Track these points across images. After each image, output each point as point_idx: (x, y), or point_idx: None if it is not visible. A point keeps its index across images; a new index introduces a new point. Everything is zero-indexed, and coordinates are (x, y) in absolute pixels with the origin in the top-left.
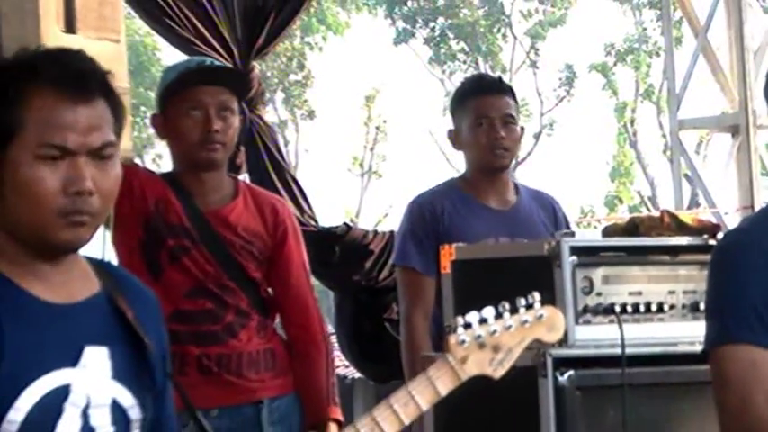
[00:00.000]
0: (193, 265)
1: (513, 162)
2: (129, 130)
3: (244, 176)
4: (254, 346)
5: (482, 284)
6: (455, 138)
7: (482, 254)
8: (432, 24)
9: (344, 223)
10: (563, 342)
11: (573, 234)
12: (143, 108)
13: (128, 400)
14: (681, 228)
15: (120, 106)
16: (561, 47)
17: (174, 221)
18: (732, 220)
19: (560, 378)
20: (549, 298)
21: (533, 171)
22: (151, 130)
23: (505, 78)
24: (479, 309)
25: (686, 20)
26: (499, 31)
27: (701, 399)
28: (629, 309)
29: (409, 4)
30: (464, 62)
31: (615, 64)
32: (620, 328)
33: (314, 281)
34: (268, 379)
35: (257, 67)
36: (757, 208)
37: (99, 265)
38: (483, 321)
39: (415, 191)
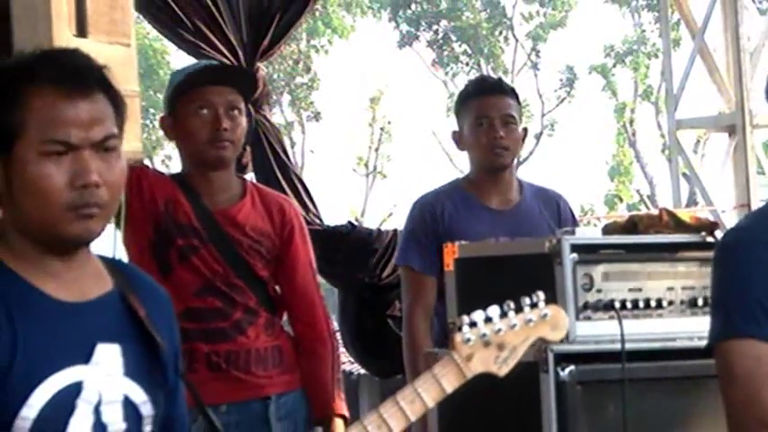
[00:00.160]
0: (202, 265)
1: (515, 161)
2: (139, 132)
3: (249, 176)
4: (261, 343)
5: (484, 282)
6: (459, 139)
7: (484, 252)
8: (435, 27)
9: (349, 222)
10: (564, 338)
11: (573, 232)
12: (152, 110)
13: (140, 396)
14: (679, 225)
15: (120, 100)
16: (562, 49)
17: (183, 221)
18: (729, 218)
19: (561, 373)
20: (550, 295)
21: (534, 171)
22: (160, 132)
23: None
24: (482, 306)
25: (683, 22)
26: (501, 33)
27: (700, 393)
28: (629, 305)
29: (413, 7)
30: (467, 64)
31: (614, 65)
32: (620, 324)
33: (320, 279)
34: (275, 375)
35: (262, 68)
36: (754, 206)
37: (112, 264)
38: (488, 320)
39: (419, 190)
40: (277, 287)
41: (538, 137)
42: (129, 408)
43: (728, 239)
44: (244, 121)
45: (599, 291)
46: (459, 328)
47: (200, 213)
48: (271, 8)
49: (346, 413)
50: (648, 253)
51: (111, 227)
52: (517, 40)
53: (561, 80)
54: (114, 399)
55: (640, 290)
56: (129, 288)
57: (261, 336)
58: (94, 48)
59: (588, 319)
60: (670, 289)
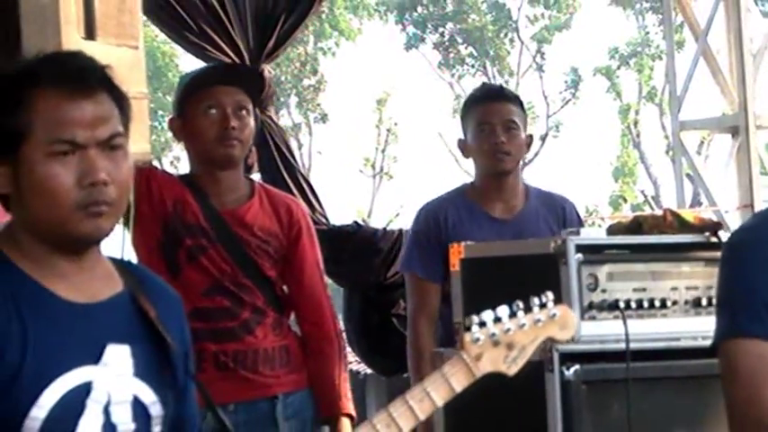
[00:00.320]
0: (211, 265)
1: (521, 163)
2: (147, 134)
3: (256, 176)
4: (269, 342)
5: (490, 282)
6: (464, 147)
7: (490, 252)
8: (441, 30)
9: (354, 222)
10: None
11: (578, 232)
12: (160, 112)
13: (149, 396)
14: (683, 226)
15: (124, 99)
16: (566, 51)
17: (192, 221)
18: (732, 219)
19: (566, 372)
20: (556, 295)
21: (540, 172)
22: (169, 134)
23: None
24: (488, 306)
25: (687, 24)
26: (506, 35)
27: (704, 392)
28: (633, 305)
29: (419, 10)
30: (472, 66)
31: (619, 67)
32: (625, 323)
33: (326, 279)
34: (283, 375)
35: (267, 70)
36: (757, 206)
37: (122, 265)
38: (497, 320)
39: (425, 191)
40: (285, 287)
41: (543, 138)
42: (139, 408)
43: (734, 239)
44: (251, 121)
45: (604, 291)
46: (469, 328)
47: (209, 213)
48: (276, 10)
49: (353, 412)
50: (653, 253)
51: (119, 228)
52: (522, 43)
53: (566, 82)
54: (124, 399)
55: (645, 290)
56: (140, 289)
57: (269, 335)
58: (103, 50)
59: (593, 318)
60: (674, 289)
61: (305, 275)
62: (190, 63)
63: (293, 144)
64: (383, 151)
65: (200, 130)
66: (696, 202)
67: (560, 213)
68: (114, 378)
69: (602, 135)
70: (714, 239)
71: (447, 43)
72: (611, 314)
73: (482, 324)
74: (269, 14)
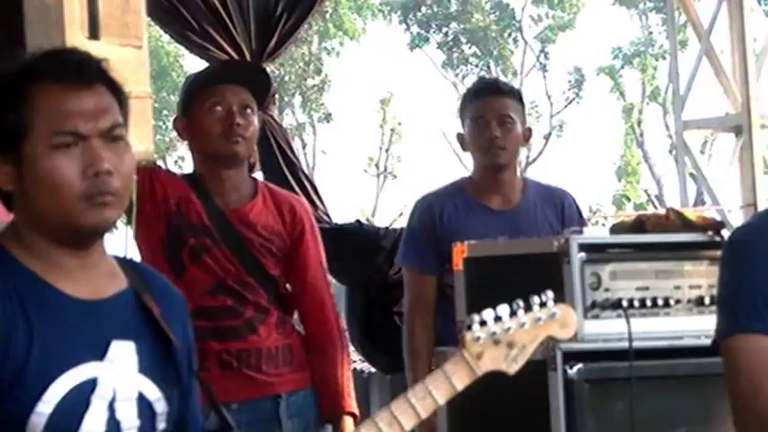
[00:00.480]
0: (214, 263)
1: (524, 162)
2: (151, 134)
3: (258, 176)
4: (272, 341)
5: (493, 280)
6: (462, 141)
7: (493, 251)
8: (445, 30)
9: (357, 220)
10: (572, 336)
11: (581, 231)
12: (165, 112)
13: (154, 393)
14: (686, 225)
15: (122, 92)
16: (570, 50)
17: (195, 220)
18: (735, 217)
19: (569, 371)
20: (559, 294)
21: (543, 171)
22: (173, 134)
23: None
24: (491, 304)
25: (690, 24)
26: (510, 35)
27: (707, 391)
28: (636, 304)
29: (423, 10)
30: (476, 66)
31: (622, 67)
32: (628, 322)
33: (330, 278)
34: (286, 374)
35: (270, 69)
36: (760, 205)
37: (126, 263)
38: (498, 319)
39: (429, 191)
40: (288, 285)
41: (546, 138)
42: (143, 405)
43: (736, 237)
44: (256, 121)
45: (607, 289)
46: (470, 327)
47: (212, 212)
48: (277, 10)
49: (356, 411)
50: (656, 252)
51: (122, 227)
52: (526, 42)
53: (570, 81)
54: (128, 396)
55: (648, 289)
56: (144, 287)
57: (272, 334)
58: (107, 50)
59: (596, 317)
60: (677, 288)
61: (308, 274)
62: (194, 63)
63: (297, 144)
64: (387, 151)
65: (205, 127)
66: (699, 202)
67: (560, 207)
68: (119, 374)
69: (606, 134)
70: (717, 238)
71: (451, 43)
72: (614, 313)
73: (483, 323)
74: (270, 14)
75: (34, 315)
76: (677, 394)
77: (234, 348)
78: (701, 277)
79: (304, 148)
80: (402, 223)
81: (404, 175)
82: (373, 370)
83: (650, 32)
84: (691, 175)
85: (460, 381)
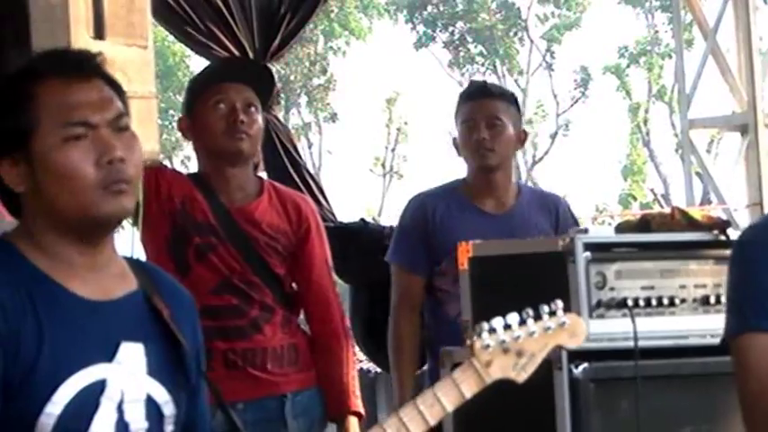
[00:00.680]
0: (220, 262)
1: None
2: (156, 134)
3: (262, 175)
4: (278, 341)
5: (498, 280)
6: (456, 144)
7: (498, 250)
8: (451, 29)
9: (361, 219)
10: None
11: (586, 231)
12: (171, 112)
13: (162, 395)
14: (691, 224)
15: (120, 88)
16: (576, 50)
17: (200, 219)
18: (741, 217)
19: (575, 371)
20: (564, 293)
21: (549, 170)
22: (179, 134)
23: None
24: (497, 304)
25: (695, 23)
26: (516, 34)
27: (713, 390)
28: (642, 303)
29: (429, 9)
30: (482, 65)
31: (628, 66)
32: (633, 321)
33: (335, 277)
34: (291, 373)
35: (274, 68)
36: (766, 204)
37: (136, 265)
38: (507, 327)
39: (423, 190)
40: (294, 284)
41: (553, 137)
42: (152, 407)
43: (746, 237)
44: (260, 119)
45: (612, 289)
46: (479, 335)
47: (218, 211)
48: (280, 9)
49: (361, 410)
50: (661, 251)
51: (129, 227)
52: (532, 42)
53: (576, 81)
54: (137, 397)
55: (653, 288)
56: (153, 288)
57: (277, 333)
58: (112, 50)
59: (601, 317)
60: (682, 287)
61: (313, 273)
62: (201, 63)
63: (303, 143)
64: (393, 150)
65: (208, 124)
66: (706, 201)
67: (554, 214)
68: (128, 376)
69: (612, 133)
70: (722, 237)
71: (457, 42)
72: (619, 312)
73: (492, 331)
74: (274, 13)
75: (44, 314)
76: (682, 393)
77: (239, 348)
78: (707, 276)
79: (310, 147)
80: None
81: (410, 174)
82: (380, 370)
83: (656, 31)
84: (697, 174)
85: (469, 388)
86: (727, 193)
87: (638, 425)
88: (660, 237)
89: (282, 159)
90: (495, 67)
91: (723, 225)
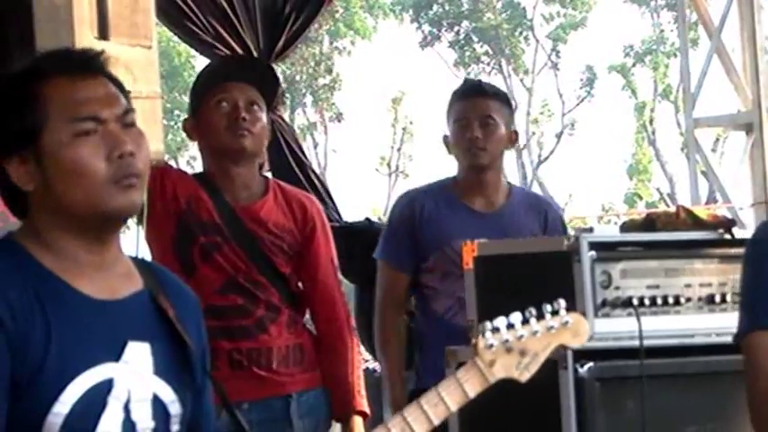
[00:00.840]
0: (225, 261)
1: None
2: (161, 134)
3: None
4: (283, 341)
5: (503, 279)
6: (447, 143)
7: (503, 250)
8: (456, 28)
9: (366, 218)
10: None
11: (592, 230)
12: (177, 112)
13: (168, 395)
14: (696, 223)
15: (122, 86)
16: (582, 49)
17: (206, 218)
18: (746, 215)
19: (580, 370)
20: (569, 292)
21: (555, 169)
22: (184, 134)
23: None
24: (502, 304)
25: (700, 22)
26: (521, 34)
27: (718, 389)
28: (647, 302)
29: (434, 8)
30: (488, 64)
31: (634, 65)
32: (638, 320)
33: (340, 276)
34: (297, 373)
35: (278, 69)
36: None
37: (142, 264)
38: (510, 326)
39: (413, 188)
40: (299, 284)
41: (558, 136)
42: (158, 406)
43: (759, 236)
44: (264, 117)
45: (617, 288)
46: (483, 334)
47: (223, 210)
48: (285, 9)
49: (366, 410)
50: (666, 250)
51: (134, 226)
52: (538, 41)
53: (581, 80)
54: (143, 397)
55: (658, 287)
56: (159, 288)
57: (283, 333)
58: (116, 50)
59: (606, 316)
60: (687, 286)
61: (319, 272)
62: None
63: (308, 143)
64: (399, 150)
65: (211, 123)
66: (712, 199)
67: (543, 216)
68: (134, 376)
69: (618, 133)
70: (728, 236)
71: (462, 41)
72: (624, 311)
73: (495, 330)
74: (278, 13)
75: (52, 314)
76: (688, 392)
77: (244, 348)
78: (712, 275)
79: (315, 147)
80: None
81: (415, 173)
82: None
83: (662, 30)
84: (702, 172)
85: (473, 388)
86: (733, 191)
87: (644, 424)
88: (665, 236)
89: (288, 159)
90: (500, 66)
91: (728, 224)
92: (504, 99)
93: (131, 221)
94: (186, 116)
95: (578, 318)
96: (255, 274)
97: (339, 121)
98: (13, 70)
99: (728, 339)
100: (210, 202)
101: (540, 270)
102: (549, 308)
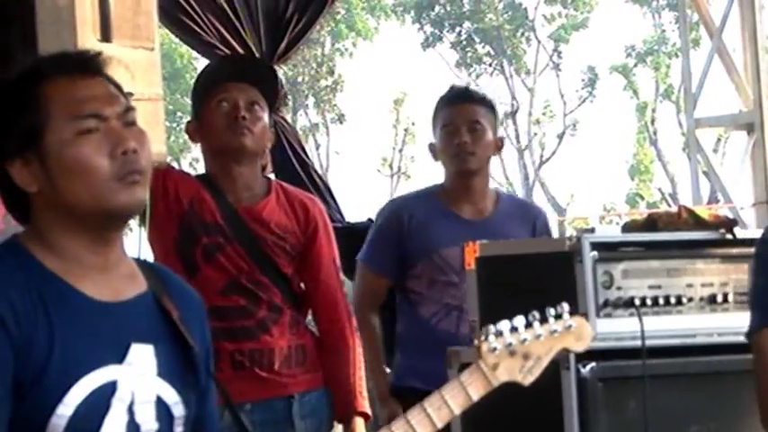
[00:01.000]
0: (227, 262)
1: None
2: (163, 136)
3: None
4: (285, 342)
5: (505, 280)
6: (434, 150)
7: (505, 250)
8: (458, 29)
9: (369, 219)
10: None
11: (593, 230)
12: (179, 114)
13: (172, 397)
14: (698, 223)
15: (120, 87)
16: (583, 49)
17: (209, 219)
18: (747, 215)
19: (583, 370)
20: (571, 293)
21: (557, 170)
22: (187, 136)
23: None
24: (504, 304)
25: (701, 22)
26: (523, 34)
27: (721, 389)
28: (649, 302)
29: (436, 9)
30: (490, 65)
31: (636, 65)
32: (640, 320)
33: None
34: (299, 374)
35: (280, 70)
36: None
37: (146, 266)
38: (514, 330)
39: (401, 194)
40: (302, 284)
41: (560, 137)
42: (162, 408)
43: (767, 235)
44: (265, 117)
45: (619, 288)
46: (486, 337)
47: (225, 211)
48: (287, 11)
49: (368, 411)
50: (668, 250)
51: (136, 228)
52: (539, 42)
53: (583, 80)
54: (147, 399)
55: (660, 287)
56: (163, 289)
57: (285, 334)
58: (119, 52)
59: (608, 316)
60: (689, 286)
61: (321, 272)
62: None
63: (311, 144)
64: (401, 151)
65: (212, 123)
66: (713, 199)
67: (531, 224)
68: (138, 377)
69: (619, 133)
70: (729, 236)
71: (464, 42)
72: (626, 311)
73: (499, 333)
74: (280, 15)
75: (55, 315)
76: (690, 392)
77: (246, 348)
78: (714, 275)
79: (317, 148)
80: None
81: (417, 175)
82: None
83: (663, 30)
84: (704, 172)
85: (476, 391)
86: (734, 191)
87: (646, 424)
88: (667, 236)
89: (290, 160)
90: (502, 67)
91: (730, 224)
92: (489, 105)
93: (134, 223)
94: (189, 119)
95: (581, 321)
96: (258, 274)
97: (341, 122)
98: (12, 74)
99: (730, 339)
100: (213, 203)
101: (541, 270)
102: (552, 311)
